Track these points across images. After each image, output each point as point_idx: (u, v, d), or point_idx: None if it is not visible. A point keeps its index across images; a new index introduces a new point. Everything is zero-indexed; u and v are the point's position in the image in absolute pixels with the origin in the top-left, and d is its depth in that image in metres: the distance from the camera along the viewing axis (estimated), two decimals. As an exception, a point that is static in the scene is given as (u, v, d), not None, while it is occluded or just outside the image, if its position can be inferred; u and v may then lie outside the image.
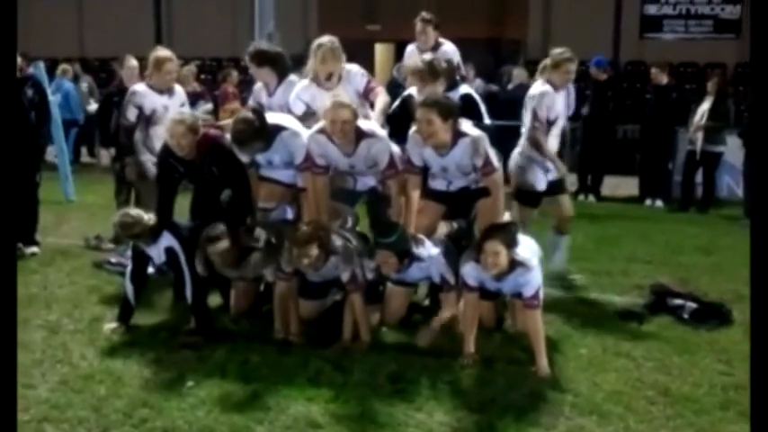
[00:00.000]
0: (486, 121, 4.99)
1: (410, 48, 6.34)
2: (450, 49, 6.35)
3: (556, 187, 5.66)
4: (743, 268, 6.46)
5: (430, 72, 4.97)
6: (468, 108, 4.91)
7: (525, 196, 5.58)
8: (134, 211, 4.75)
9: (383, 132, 4.76)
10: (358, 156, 4.67)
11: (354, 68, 5.13)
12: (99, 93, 12.14)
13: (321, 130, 4.64)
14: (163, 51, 6.04)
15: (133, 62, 6.67)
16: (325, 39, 5.07)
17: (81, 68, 13.36)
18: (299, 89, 5.11)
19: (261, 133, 4.62)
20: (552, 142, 5.63)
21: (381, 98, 5.05)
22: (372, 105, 5.08)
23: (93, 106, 12.11)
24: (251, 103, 5.40)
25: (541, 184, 5.58)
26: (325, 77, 5.02)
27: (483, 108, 5.06)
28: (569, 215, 5.81)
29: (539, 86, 5.56)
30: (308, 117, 5.00)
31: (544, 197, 5.64)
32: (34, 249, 6.58)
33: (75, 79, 12.72)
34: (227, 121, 5.39)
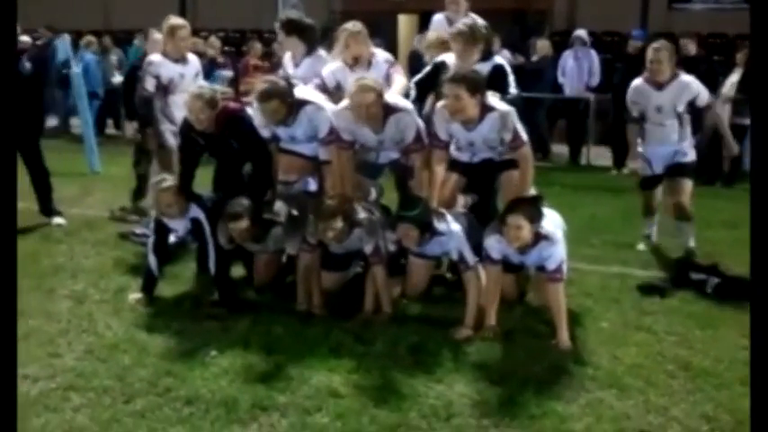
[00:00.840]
0: (513, 91, 4.93)
1: (438, 17, 6.24)
2: (479, 22, 6.28)
3: (675, 172, 5.73)
4: (769, 243, 6.40)
5: (471, 35, 4.89)
6: (498, 79, 4.86)
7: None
8: (169, 183, 4.75)
9: (410, 105, 4.75)
10: (387, 132, 4.67)
11: (381, 56, 5.16)
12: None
13: (348, 108, 4.63)
14: (175, 19, 6.17)
15: (157, 35, 6.71)
16: (349, 24, 5.14)
17: (111, 41, 13.37)
18: (334, 68, 5.13)
19: (284, 96, 4.62)
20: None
21: (398, 81, 5.03)
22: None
23: (117, 78, 12.16)
24: (281, 74, 5.41)
25: (646, 170, 5.83)
26: (352, 62, 5.04)
27: (512, 79, 5.01)
28: (677, 201, 5.73)
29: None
30: (337, 94, 5.02)
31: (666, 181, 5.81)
32: (59, 220, 6.65)
33: (104, 52, 12.77)
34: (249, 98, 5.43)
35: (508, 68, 5.04)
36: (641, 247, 5.98)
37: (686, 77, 5.64)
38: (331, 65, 5.19)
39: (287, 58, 5.46)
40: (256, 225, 4.59)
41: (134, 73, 6.87)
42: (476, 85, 4.39)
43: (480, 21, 6.20)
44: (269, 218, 4.66)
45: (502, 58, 5.21)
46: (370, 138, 4.72)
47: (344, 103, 4.69)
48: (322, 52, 5.38)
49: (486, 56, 4.97)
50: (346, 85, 4.94)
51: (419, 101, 4.93)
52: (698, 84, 5.67)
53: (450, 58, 4.99)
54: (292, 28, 5.31)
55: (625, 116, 5.98)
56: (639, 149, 5.88)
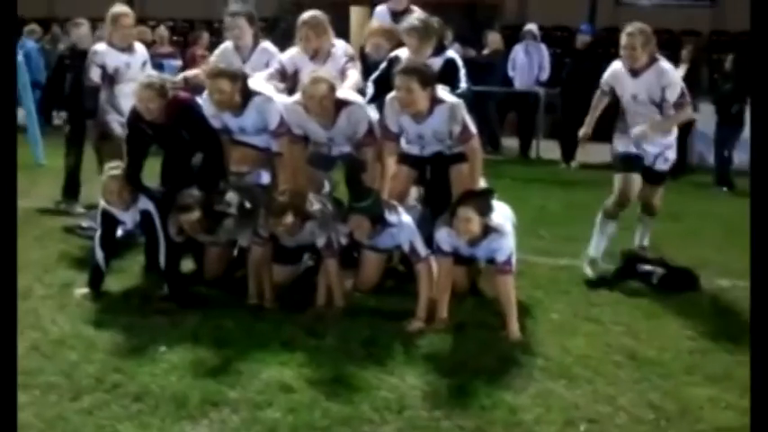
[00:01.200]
0: (464, 85, 4.96)
1: (380, 8, 6.24)
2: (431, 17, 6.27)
3: (653, 179, 5.40)
4: (711, 235, 6.57)
5: (425, 30, 4.88)
6: (449, 73, 4.88)
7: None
8: (117, 171, 4.65)
9: (361, 99, 4.74)
10: (338, 127, 4.65)
11: (341, 49, 5.13)
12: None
13: (299, 103, 4.60)
14: (119, 7, 6.13)
15: (84, 24, 6.60)
16: (308, 15, 5.07)
17: (61, 30, 13.03)
18: (294, 54, 5.10)
19: (235, 77, 4.57)
20: None
21: (352, 76, 5.01)
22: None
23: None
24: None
25: (630, 147, 5.28)
26: (311, 55, 5.01)
27: (463, 73, 5.03)
28: (648, 200, 5.52)
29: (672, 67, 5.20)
30: (293, 80, 4.99)
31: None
32: None
33: (53, 40, 12.45)
34: (194, 72, 5.38)
35: (460, 63, 5.07)
36: (588, 271, 5.26)
37: (665, 64, 5.12)
38: (291, 50, 5.16)
39: (228, 51, 5.34)
40: (208, 217, 4.54)
41: (62, 63, 6.73)
42: (427, 78, 4.41)
43: (420, 14, 6.20)
44: (220, 209, 4.61)
45: (454, 52, 5.23)
46: (320, 134, 4.70)
47: (295, 97, 4.66)
48: (268, 44, 5.35)
49: (439, 50, 4.99)
50: (302, 75, 4.91)
51: (376, 98, 4.90)
52: (675, 75, 5.20)
53: (403, 52, 5.00)
54: (253, 19, 5.28)
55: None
56: (620, 132, 5.40)
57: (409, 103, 4.42)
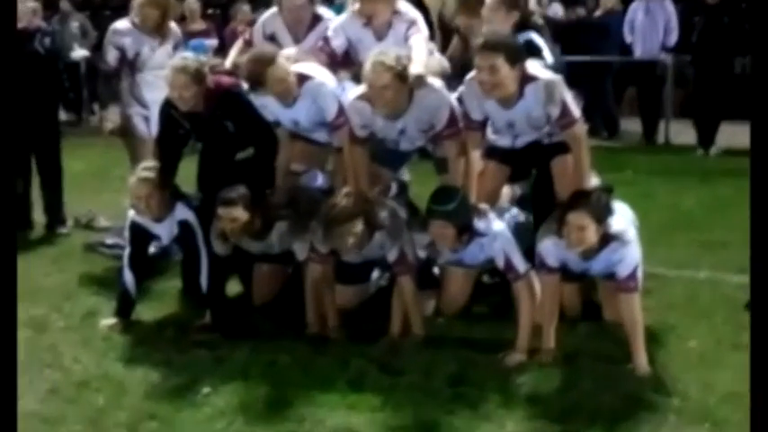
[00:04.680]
0: (549, 59, 4.89)
1: None
2: None
3: None
4: None
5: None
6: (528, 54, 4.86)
7: None
8: (149, 173, 4.79)
9: (438, 82, 4.72)
10: (410, 116, 4.64)
11: (403, 14, 5.11)
12: (98, 34, 12.25)
13: (363, 96, 4.62)
14: None
15: (31, 2, 6.69)
16: None
17: (71, 5, 13.50)
18: (344, 20, 5.16)
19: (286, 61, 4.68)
20: None
21: (417, 45, 4.94)
22: None
23: (79, 53, 12.26)
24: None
25: None
26: (365, 22, 5.04)
27: (547, 50, 4.96)
28: None
29: None
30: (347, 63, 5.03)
31: None
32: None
33: (62, 19, 12.90)
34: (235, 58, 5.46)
35: (541, 42, 4.96)
36: None
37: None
38: (341, 18, 5.20)
39: (278, 30, 5.43)
40: (256, 217, 4.61)
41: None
42: (515, 53, 4.34)
43: None
44: (273, 211, 4.68)
45: (534, 33, 5.10)
46: (390, 129, 4.71)
47: (358, 90, 4.68)
48: (329, 14, 5.41)
49: (520, 27, 4.94)
50: (358, 46, 4.94)
51: (458, 77, 4.88)
52: None
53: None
54: None
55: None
56: None
57: (495, 85, 4.37)
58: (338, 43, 5.16)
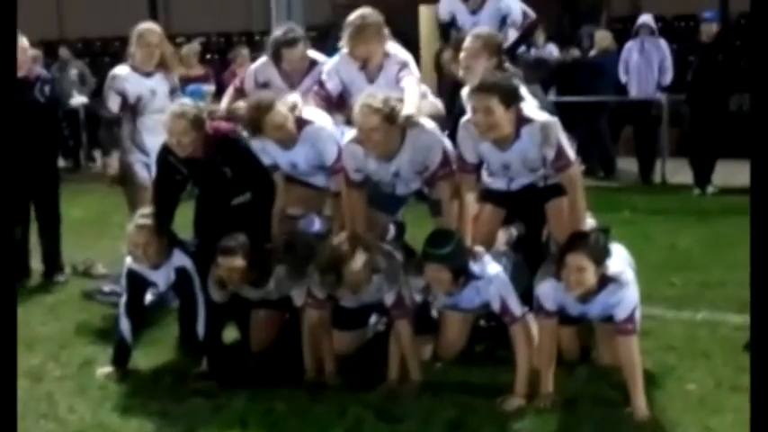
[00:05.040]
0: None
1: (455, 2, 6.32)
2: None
3: None
4: None
5: (490, 39, 4.98)
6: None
7: None
8: (146, 220, 4.80)
9: (430, 123, 4.74)
10: (402, 158, 4.65)
11: (393, 56, 5.13)
12: (97, 81, 12.35)
13: (355, 139, 4.64)
14: (145, 24, 6.31)
15: (24, 43, 6.57)
16: (355, 15, 5.10)
17: (70, 52, 13.60)
18: (337, 62, 5.19)
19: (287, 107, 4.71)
20: None
21: (410, 87, 4.92)
22: None
23: (78, 99, 12.32)
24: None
25: None
26: (360, 65, 5.08)
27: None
28: None
29: None
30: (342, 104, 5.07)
31: None
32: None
33: (62, 66, 13.01)
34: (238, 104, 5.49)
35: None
36: None
37: None
38: (335, 60, 5.22)
39: (272, 78, 5.48)
40: (254, 266, 4.61)
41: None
42: (511, 95, 4.39)
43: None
44: (271, 256, 4.69)
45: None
46: (384, 172, 4.73)
47: (350, 134, 4.70)
48: (323, 65, 5.43)
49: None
50: (352, 88, 4.98)
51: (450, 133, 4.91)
52: None
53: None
54: (307, 41, 5.44)
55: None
56: None
57: (490, 126, 4.39)
58: (332, 86, 5.20)
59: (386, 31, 5.14)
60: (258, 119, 4.77)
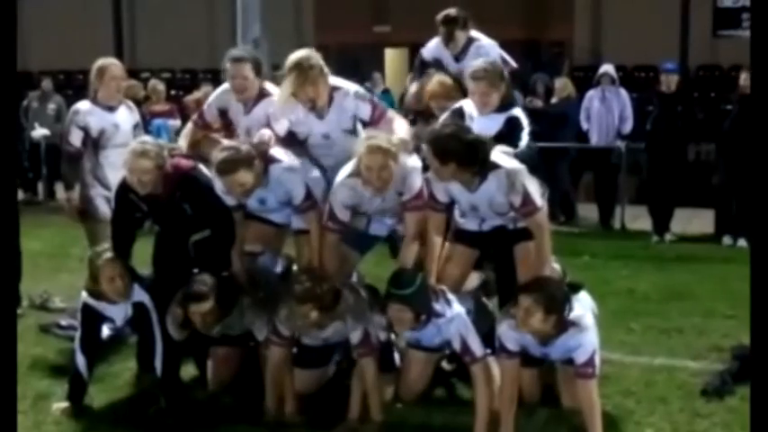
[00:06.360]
0: (522, 144, 4.99)
1: (435, 41, 6.36)
2: (486, 43, 6.34)
3: None
4: None
5: (495, 75, 5.04)
6: (510, 133, 4.97)
7: None
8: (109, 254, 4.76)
9: (413, 159, 4.77)
10: (390, 190, 4.70)
11: (351, 93, 5.03)
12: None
13: (355, 173, 4.65)
14: (106, 59, 6.30)
15: None
16: (298, 58, 4.89)
17: (53, 86, 13.43)
18: (281, 108, 5.12)
19: (251, 162, 4.65)
20: None
21: (399, 124, 5.02)
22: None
23: (39, 132, 12.10)
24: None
25: None
26: (308, 107, 5.03)
27: (526, 132, 5.08)
28: None
29: None
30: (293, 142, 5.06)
31: None
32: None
33: (42, 98, 12.91)
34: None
35: (525, 122, 5.10)
36: None
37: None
38: (280, 105, 5.08)
39: (232, 106, 5.41)
40: (220, 301, 4.59)
41: None
42: (469, 160, 4.45)
43: (487, 42, 6.31)
44: (234, 295, 4.67)
45: (520, 110, 5.24)
46: (374, 203, 4.76)
47: (350, 167, 4.69)
48: (275, 96, 5.37)
49: (506, 106, 5.08)
50: (299, 129, 4.97)
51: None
52: None
53: (467, 104, 5.11)
54: (259, 67, 5.36)
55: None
56: None
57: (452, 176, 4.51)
58: (280, 128, 5.11)
59: (326, 69, 5.05)
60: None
